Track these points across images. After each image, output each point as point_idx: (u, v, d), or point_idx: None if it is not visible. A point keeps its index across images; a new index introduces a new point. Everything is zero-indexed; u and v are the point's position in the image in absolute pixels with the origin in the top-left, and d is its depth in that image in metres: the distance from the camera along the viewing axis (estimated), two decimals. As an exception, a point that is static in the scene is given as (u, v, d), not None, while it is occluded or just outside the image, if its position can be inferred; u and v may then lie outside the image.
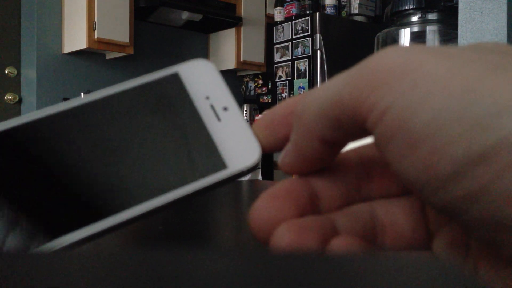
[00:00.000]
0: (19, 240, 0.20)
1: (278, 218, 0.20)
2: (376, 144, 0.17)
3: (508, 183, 0.14)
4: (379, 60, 0.17)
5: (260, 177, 2.80)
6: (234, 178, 0.22)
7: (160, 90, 0.24)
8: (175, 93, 0.24)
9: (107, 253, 0.11)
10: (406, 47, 0.17)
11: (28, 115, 0.22)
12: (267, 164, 3.17)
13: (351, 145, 0.21)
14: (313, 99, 0.19)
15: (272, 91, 3.76)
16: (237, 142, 0.23)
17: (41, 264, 0.10)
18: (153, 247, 0.11)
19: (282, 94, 3.48)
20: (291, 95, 3.35)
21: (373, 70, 0.17)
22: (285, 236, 0.19)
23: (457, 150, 0.15)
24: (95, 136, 0.22)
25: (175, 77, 0.24)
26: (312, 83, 3.26)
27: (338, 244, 0.18)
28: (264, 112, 0.23)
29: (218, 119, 0.23)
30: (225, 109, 0.23)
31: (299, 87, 3.37)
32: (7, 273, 0.09)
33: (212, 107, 0.23)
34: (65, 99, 3.11)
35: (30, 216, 0.21)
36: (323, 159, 0.20)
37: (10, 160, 0.22)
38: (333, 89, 0.18)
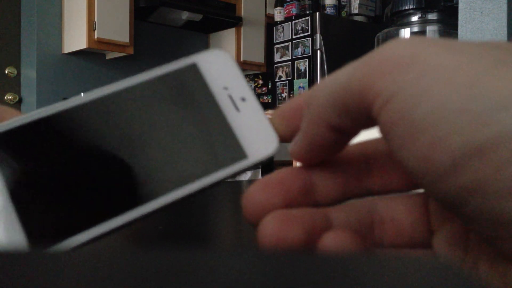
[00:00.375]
0: (30, 240, 0.20)
1: (267, 205, 0.20)
2: (380, 131, 0.18)
3: (506, 178, 0.14)
4: (388, 50, 0.17)
5: (260, 176, 2.80)
6: (253, 167, 0.23)
7: (179, 80, 0.24)
8: (194, 83, 0.24)
9: (107, 253, 0.11)
10: (416, 38, 0.17)
11: (41, 111, 0.22)
12: (267, 163, 3.17)
13: (357, 139, 0.21)
14: (322, 86, 0.19)
15: (272, 91, 3.76)
16: (256, 132, 0.23)
17: (42, 264, 0.10)
18: (153, 247, 0.11)
19: (282, 94, 3.48)
20: (291, 95, 3.35)
21: (382, 59, 0.17)
22: (269, 226, 0.19)
23: (456, 143, 0.15)
24: (114, 128, 0.22)
25: (194, 68, 0.24)
26: (312, 83, 3.26)
27: (329, 239, 0.19)
28: (281, 104, 0.23)
29: (237, 109, 0.23)
30: (243, 99, 0.23)
31: (299, 87, 3.37)
32: (7, 272, 0.09)
33: (231, 97, 0.23)
34: (65, 99, 3.10)
35: (44, 215, 0.21)
36: (332, 147, 0.20)
37: (24, 155, 0.21)
38: (342, 76, 0.18)
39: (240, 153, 0.22)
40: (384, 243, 0.21)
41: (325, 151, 0.20)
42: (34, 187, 0.21)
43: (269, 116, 0.23)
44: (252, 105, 0.23)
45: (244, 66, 3.77)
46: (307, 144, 0.20)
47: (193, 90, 0.23)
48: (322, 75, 3.22)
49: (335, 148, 0.20)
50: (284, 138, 0.23)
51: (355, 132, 0.20)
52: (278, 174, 0.21)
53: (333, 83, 0.19)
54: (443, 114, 0.15)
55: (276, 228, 0.19)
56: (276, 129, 0.23)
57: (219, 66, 0.24)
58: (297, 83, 3.39)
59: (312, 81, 3.28)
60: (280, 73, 3.52)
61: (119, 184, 0.22)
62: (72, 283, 0.09)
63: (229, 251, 0.11)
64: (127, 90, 0.23)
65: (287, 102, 0.23)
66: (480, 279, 0.18)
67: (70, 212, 0.21)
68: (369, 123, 0.18)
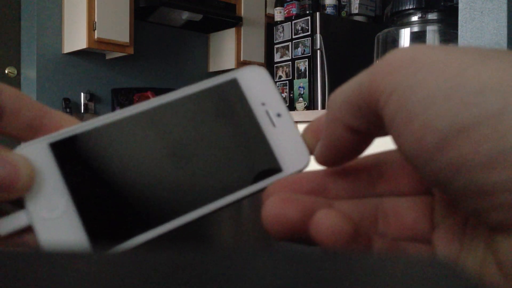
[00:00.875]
0: (87, 243, 0.22)
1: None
2: (385, 126, 0.19)
3: (486, 152, 0.16)
4: (393, 54, 0.20)
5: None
6: None
7: (221, 95, 0.25)
8: (235, 99, 0.25)
9: (108, 253, 0.11)
10: (417, 45, 0.20)
11: (95, 120, 0.24)
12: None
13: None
14: (338, 92, 0.22)
15: (272, 91, 3.76)
16: (290, 147, 0.24)
17: (42, 264, 0.10)
18: (153, 247, 0.11)
19: (282, 94, 3.47)
20: (291, 95, 3.35)
21: (387, 62, 0.19)
22: (271, 204, 0.21)
23: (443, 123, 0.17)
24: (159, 142, 0.24)
25: (234, 83, 0.25)
26: (312, 83, 3.26)
27: (321, 215, 0.21)
28: (312, 121, 0.25)
29: (273, 125, 0.25)
30: (279, 115, 0.25)
31: (299, 87, 3.36)
32: (10, 272, 0.09)
33: (268, 113, 0.25)
34: (65, 99, 3.11)
35: (103, 218, 0.22)
36: (352, 149, 0.22)
37: (85, 161, 0.23)
38: (356, 80, 0.21)
39: (276, 167, 0.24)
40: (386, 235, 0.22)
41: (345, 153, 0.22)
42: (95, 191, 0.23)
43: (301, 132, 0.25)
44: (286, 121, 0.25)
45: (244, 66, 3.76)
46: (328, 146, 0.22)
47: (234, 105, 0.25)
48: (322, 75, 3.22)
49: (354, 151, 0.22)
50: (313, 151, 0.24)
51: (370, 134, 0.21)
52: (292, 177, 0.23)
53: (347, 88, 0.21)
54: (433, 100, 0.17)
55: (277, 206, 0.21)
56: (307, 143, 0.25)
57: (257, 82, 0.26)
58: (297, 83, 3.39)
59: (312, 81, 3.28)
60: (280, 73, 3.52)
61: (165, 193, 0.23)
62: (72, 283, 0.09)
63: (229, 251, 0.11)
64: (172, 104, 0.25)
65: (314, 119, 0.25)
66: (481, 279, 0.18)
67: (121, 218, 0.22)
68: (380, 122, 0.20)
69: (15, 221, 0.22)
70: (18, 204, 0.22)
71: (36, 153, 0.22)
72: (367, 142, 0.22)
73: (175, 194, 0.23)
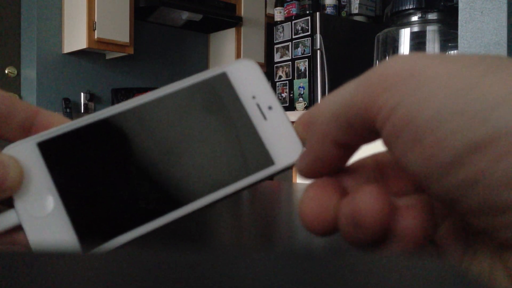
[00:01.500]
0: (76, 241, 0.22)
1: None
2: (384, 142, 0.19)
3: (503, 169, 0.16)
4: (387, 66, 0.19)
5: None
6: (278, 174, 0.24)
7: (211, 89, 0.25)
8: (225, 92, 0.25)
9: (106, 254, 0.11)
10: (412, 54, 0.19)
11: (82, 119, 0.24)
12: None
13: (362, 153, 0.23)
14: (325, 104, 0.21)
15: (272, 91, 3.76)
16: (282, 140, 0.24)
17: (43, 265, 0.10)
18: (153, 247, 0.11)
19: (282, 94, 3.47)
20: (291, 95, 3.35)
21: (382, 75, 0.19)
22: (309, 191, 0.21)
23: (457, 140, 0.16)
24: (151, 135, 0.24)
25: (224, 77, 0.25)
26: (312, 83, 3.26)
27: (367, 189, 0.20)
28: (303, 113, 0.24)
29: (264, 118, 0.24)
30: (270, 108, 0.25)
31: (299, 87, 3.36)
32: (11, 272, 0.09)
33: (258, 106, 0.25)
34: (65, 99, 3.11)
35: (87, 217, 0.22)
36: (336, 163, 0.22)
37: (66, 163, 0.23)
38: (344, 94, 0.20)
39: (267, 160, 0.24)
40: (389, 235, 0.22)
41: (330, 166, 0.22)
42: (84, 189, 0.23)
43: (293, 125, 0.25)
44: (278, 113, 0.25)
45: (244, 66, 3.76)
46: (313, 160, 0.22)
47: (224, 99, 0.25)
48: (322, 75, 3.22)
49: (339, 163, 0.22)
50: (304, 144, 0.24)
51: (357, 146, 0.21)
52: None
53: (336, 101, 0.20)
54: (444, 117, 0.16)
55: (315, 191, 0.21)
56: (299, 136, 0.24)
57: (248, 75, 0.25)
58: (297, 83, 3.39)
59: (312, 81, 3.28)
60: (280, 73, 3.52)
61: (155, 188, 0.23)
62: (72, 284, 0.09)
63: (229, 251, 0.11)
64: (161, 100, 0.24)
65: (308, 111, 0.24)
66: (484, 281, 0.18)
67: (111, 215, 0.22)
68: (371, 137, 0.20)
69: (5, 220, 0.22)
70: (7, 203, 0.22)
71: (25, 153, 0.23)
72: (351, 154, 0.22)
73: (165, 190, 0.23)
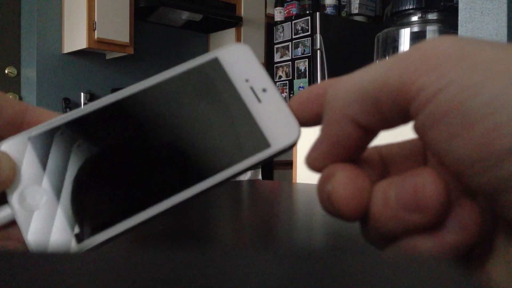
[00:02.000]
0: (70, 235, 0.22)
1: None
2: (419, 126, 0.18)
3: None
4: (431, 46, 0.18)
5: (260, 177, 2.80)
6: (276, 156, 0.24)
7: (203, 75, 0.25)
8: (217, 77, 0.25)
9: (107, 254, 0.11)
10: (454, 36, 0.18)
11: (73, 112, 0.24)
12: (267, 164, 3.17)
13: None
14: (350, 82, 0.20)
15: (272, 91, 3.76)
16: (278, 122, 0.24)
17: (43, 265, 0.10)
18: (153, 247, 0.11)
19: (282, 94, 3.47)
20: (291, 95, 3.35)
21: (425, 55, 0.18)
22: (339, 175, 0.20)
23: None
24: (142, 127, 0.24)
25: (215, 62, 0.25)
26: (312, 83, 3.26)
27: (428, 171, 0.18)
28: (301, 90, 0.23)
29: (259, 100, 0.24)
30: (264, 90, 0.24)
31: (299, 87, 3.36)
32: (12, 272, 0.09)
33: (252, 89, 0.24)
34: (65, 99, 3.11)
35: (81, 210, 0.22)
36: (355, 149, 0.21)
37: (59, 156, 0.23)
38: (376, 72, 0.19)
39: (263, 142, 0.23)
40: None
41: (348, 151, 0.21)
42: (76, 182, 0.22)
43: (289, 102, 0.24)
44: (273, 95, 0.24)
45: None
46: (330, 144, 0.21)
47: (216, 84, 0.24)
48: (322, 75, 3.21)
49: (357, 149, 0.21)
50: (302, 123, 0.23)
51: (378, 131, 0.20)
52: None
53: (363, 79, 0.19)
54: (502, 103, 0.16)
55: (348, 176, 0.20)
56: (296, 116, 0.23)
57: (240, 59, 0.25)
58: (297, 83, 3.39)
59: (312, 81, 3.28)
60: (280, 73, 3.52)
61: (149, 177, 0.23)
62: (72, 283, 0.09)
63: (229, 251, 0.11)
64: (154, 87, 0.24)
65: (305, 89, 0.23)
66: (482, 280, 0.18)
67: (105, 207, 0.22)
68: (397, 121, 0.19)
69: None
70: (1, 199, 0.22)
71: (17, 148, 0.23)
72: (370, 139, 0.21)
73: (160, 178, 0.23)
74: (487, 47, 0.17)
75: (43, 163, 0.23)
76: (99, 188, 0.22)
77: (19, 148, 0.23)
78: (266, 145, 0.23)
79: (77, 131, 0.23)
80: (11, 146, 0.23)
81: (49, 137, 0.23)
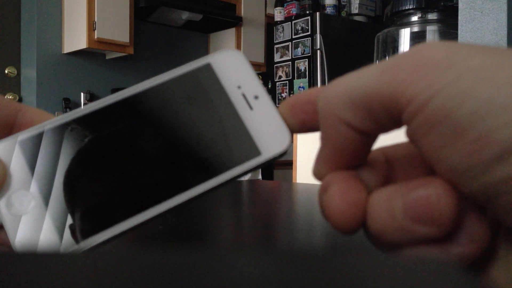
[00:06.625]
0: (58, 239, 0.22)
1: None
2: (411, 134, 0.18)
3: None
4: (419, 54, 0.18)
5: (260, 177, 2.80)
6: (267, 164, 0.23)
7: (195, 81, 0.24)
8: (209, 83, 0.24)
9: (107, 254, 0.11)
10: (443, 42, 0.18)
11: (64, 116, 0.24)
12: (268, 165, 3.16)
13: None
14: (342, 87, 0.19)
15: (272, 91, 3.76)
16: (269, 129, 0.24)
17: (44, 265, 0.10)
18: (153, 247, 0.11)
19: (282, 94, 3.47)
20: (291, 95, 3.34)
21: (414, 62, 0.17)
22: (334, 186, 0.20)
23: (504, 135, 0.16)
24: (132, 132, 0.23)
25: (208, 68, 0.25)
26: (312, 83, 3.26)
27: (438, 183, 0.18)
28: (290, 96, 0.23)
29: (250, 107, 0.24)
30: (256, 97, 0.24)
31: (299, 87, 3.36)
32: (12, 272, 0.09)
33: (244, 96, 0.24)
34: (65, 99, 3.11)
35: (72, 212, 0.22)
36: (357, 153, 0.20)
37: (48, 160, 0.23)
38: (367, 79, 0.18)
39: (254, 150, 0.23)
40: None
41: (351, 156, 0.20)
42: (65, 186, 0.22)
43: (279, 107, 0.24)
44: (265, 102, 0.24)
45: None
46: (329, 151, 0.20)
47: (208, 90, 0.24)
48: (322, 75, 3.22)
49: (359, 152, 0.20)
50: (292, 129, 0.23)
51: (376, 135, 0.20)
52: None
53: (355, 85, 0.19)
54: (488, 111, 0.16)
55: (341, 185, 0.20)
56: (287, 123, 0.23)
57: (233, 65, 0.25)
58: (297, 83, 3.39)
59: (312, 81, 3.28)
60: (280, 73, 3.52)
61: (139, 183, 0.23)
62: (72, 284, 0.09)
63: (229, 251, 0.11)
64: (146, 92, 0.24)
65: (295, 95, 0.23)
66: (484, 280, 0.18)
67: (93, 212, 0.22)
68: (391, 126, 0.19)
69: None
70: None
71: (6, 151, 0.22)
72: (372, 142, 0.20)
73: (150, 184, 0.23)
74: (475, 53, 0.17)
75: (32, 167, 0.22)
76: (87, 193, 0.22)
77: (9, 152, 0.22)
78: (257, 153, 0.23)
79: (67, 135, 0.23)
80: (1, 149, 0.22)
81: (39, 140, 0.23)
